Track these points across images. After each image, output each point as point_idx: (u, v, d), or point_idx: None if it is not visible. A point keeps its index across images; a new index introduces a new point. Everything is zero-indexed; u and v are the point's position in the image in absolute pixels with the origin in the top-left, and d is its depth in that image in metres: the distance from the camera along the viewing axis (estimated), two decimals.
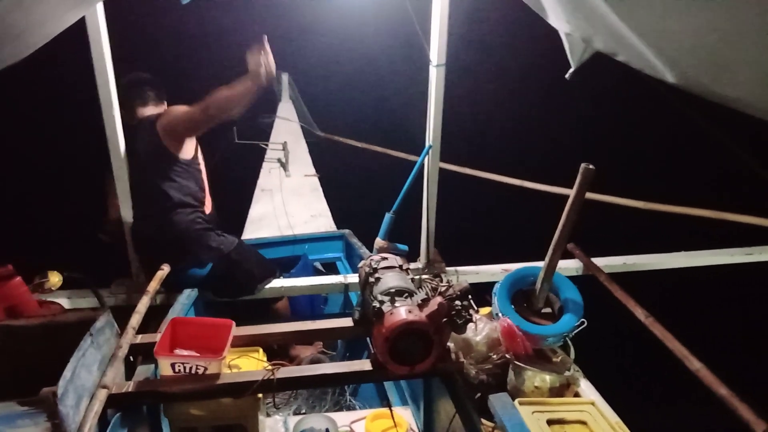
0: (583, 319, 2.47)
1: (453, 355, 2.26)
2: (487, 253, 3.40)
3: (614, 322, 2.88)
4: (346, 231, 4.62)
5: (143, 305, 2.47)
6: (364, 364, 2.16)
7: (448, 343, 2.20)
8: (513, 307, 2.58)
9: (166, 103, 3.29)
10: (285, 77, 7.27)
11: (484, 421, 2.06)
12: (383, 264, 2.30)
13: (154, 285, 2.73)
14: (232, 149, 5.00)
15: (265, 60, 2.86)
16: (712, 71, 1.76)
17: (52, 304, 2.64)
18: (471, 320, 2.03)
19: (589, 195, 2.51)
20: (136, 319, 2.32)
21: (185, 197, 3.05)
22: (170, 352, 2.17)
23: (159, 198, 3.02)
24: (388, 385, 3.18)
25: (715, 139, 2.91)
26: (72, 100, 3.13)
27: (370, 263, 2.31)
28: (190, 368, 2.06)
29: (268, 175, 5.55)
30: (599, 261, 3.27)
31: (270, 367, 2.09)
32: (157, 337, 2.17)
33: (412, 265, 3.18)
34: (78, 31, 2.46)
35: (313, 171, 5.72)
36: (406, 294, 2.07)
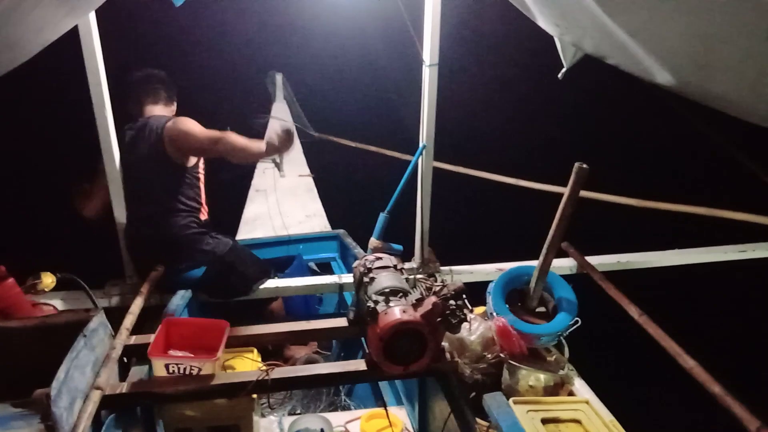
0: (577, 318, 2.48)
1: (448, 355, 2.26)
2: (481, 252, 3.40)
3: (608, 320, 2.89)
4: (341, 231, 4.62)
5: (137, 306, 2.47)
6: (359, 364, 2.16)
7: (443, 343, 2.20)
8: (507, 306, 2.58)
9: (175, 105, 3.29)
10: (279, 77, 7.26)
11: (478, 420, 2.06)
12: (378, 264, 2.30)
13: (147, 286, 2.73)
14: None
15: (286, 142, 2.98)
16: (696, 73, 1.77)
17: (46, 306, 2.63)
18: (465, 320, 2.03)
19: (582, 193, 2.51)
20: (129, 320, 2.32)
21: (181, 202, 3.04)
22: (164, 353, 2.17)
23: (155, 200, 3.01)
24: (383, 385, 3.18)
25: (707, 137, 2.92)
26: (65, 100, 3.11)
27: (365, 263, 2.31)
28: (185, 369, 2.05)
29: (263, 175, 5.54)
30: (593, 259, 3.27)
31: (264, 368, 2.09)
32: (151, 338, 2.16)
33: (407, 265, 3.19)
34: (72, 34, 2.46)
35: (307, 171, 5.72)
36: (401, 294, 2.07)
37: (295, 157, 5.92)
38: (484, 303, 2.65)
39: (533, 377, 2.32)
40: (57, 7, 1.99)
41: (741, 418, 1.92)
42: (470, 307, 2.05)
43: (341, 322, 2.40)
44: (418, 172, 3.18)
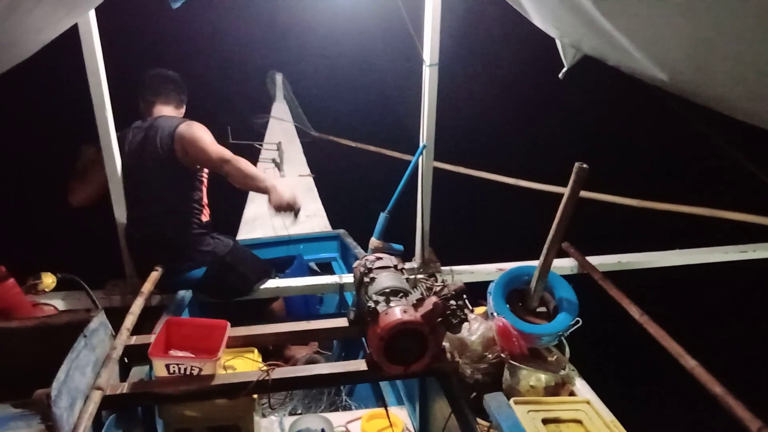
0: (578, 318, 2.47)
1: (448, 355, 2.26)
2: (481, 252, 3.40)
3: (609, 320, 2.89)
4: (341, 231, 4.62)
5: (137, 306, 2.47)
6: (360, 364, 2.16)
7: (444, 343, 2.20)
8: (508, 306, 2.57)
9: (185, 108, 3.28)
10: (279, 77, 7.26)
11: (479, 420, 2.06)
12: (378, 264, 2.30)
13: (148, 286, 2.73)
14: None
15: (288, 205, 3.02)
16: (695, 74, 1.77)
17: (46, 306, 2.63)
18: (466, 320, 2.03)
19: (583, 193, 2.51)
20: (130, 320, 2.31)
21: (184, 203, 3.04)
22: (165, 353, 2.17)
23: (157, 200, 3.00)
24: (384, 385, 3.18)
25: (707, 137, 2.91)
26: (65, 99, 3.12)
27: (365, 263, 2.31)
28: (185, 369, 2.05)
29: (263, 174, 5.53)
30: (594, 260, 3.27)
31: (265, 368, 2.09)
32: (151, 338, 2.17)
33: (407, 265, 3.19)
34: (72, 34, 2.46)
35: (307, 171, 5.71)
36: (401, 294, 2.07)
37: (296, 156, 5.92)
38: (484, 303, 2.65)
39: (534, 377, 2.31)
40: (56, 5, 1.98)
41: (742, 418, 1.91)
42: (471, 307, 2.05)
43: (342, 322, 2.40)
44: (418, 172, 3.18)
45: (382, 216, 3.26)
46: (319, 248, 4.63)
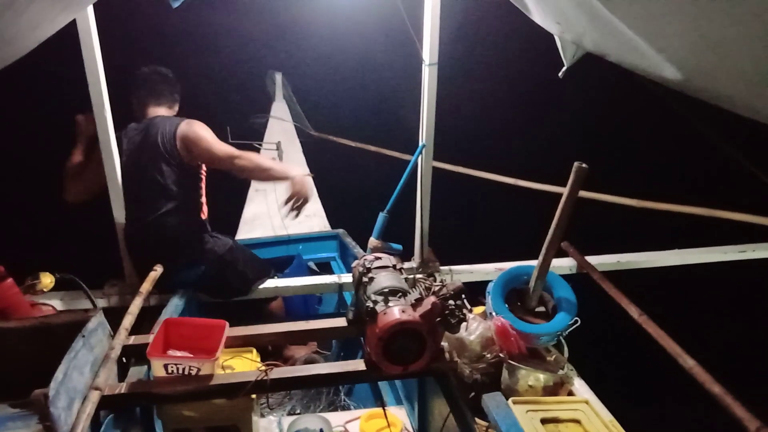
0: (576, 318, 2.47)
1: (447, 355, 2.26)
2: (480, 252, 3.40)
3: (608, 320, 2.89)
4: (341, 231, 4.62)
5: (136, 306, 2.46)
6: (359, 364, 2.16)
7: (442, 343, 2.20)
8: (507, 306, 2.57)
9: (178, 105, 3.28)
10: (278, 76, 7.25)
11: (478, 420, 2.06)
12: (377, 264, 2.30)
13: (146, 286, 2.72)
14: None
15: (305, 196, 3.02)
16: (699, 71, 1.77)
17: (44, 306, 2.63)
18: (464, 319, 2.03)
19: (582, 193, 2.51)
20: (128, 320, 2.31)
21: (184, 201, 3.04)
22: (163, 353, 2.17)
23: (157, 198, 3.00)
24: (383, 385, 3.18)
25: (707, 137, 2.91)
26: (63, 99, 3.11)
27: (364, 263, 2.31)
28: (183, 369, 2.05)
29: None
30: (593, 259, 3.28)
31: (263, 368, 2.08)
32: (150, 338, 2.16)
33: (406, 265, 3.19)
34: (71, 34, 2.45)
35: (307, 171, 5.70)
36: (400, 294, 2.07)
37: (295, 156, 5.91)
38: (483, 303, 2.65)
39: (532, 377, 2.31)
40: (53, 2, 1.98)
41: (741, 418, 1.92)
42: (469, 307, 2.05)
43: (341, 322, 2.40)
44: (417, 171, 3.18)
45: (381, 216, 3.26)
46: (318, 248, 4.63)
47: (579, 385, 2.36)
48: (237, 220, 4.90)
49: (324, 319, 2.51)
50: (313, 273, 4.23)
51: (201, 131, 3.03)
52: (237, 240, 3.45)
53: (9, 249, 2.61)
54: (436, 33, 2.84)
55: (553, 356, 2.49)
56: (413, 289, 2.14)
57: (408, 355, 2.00)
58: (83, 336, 1.92)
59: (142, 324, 2.50)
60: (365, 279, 2.20)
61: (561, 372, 2.36)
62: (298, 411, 2.96)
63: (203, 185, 3.17)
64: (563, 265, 3.26)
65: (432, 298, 2.00)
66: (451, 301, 2.00)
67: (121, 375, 2.22)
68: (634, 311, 2.61)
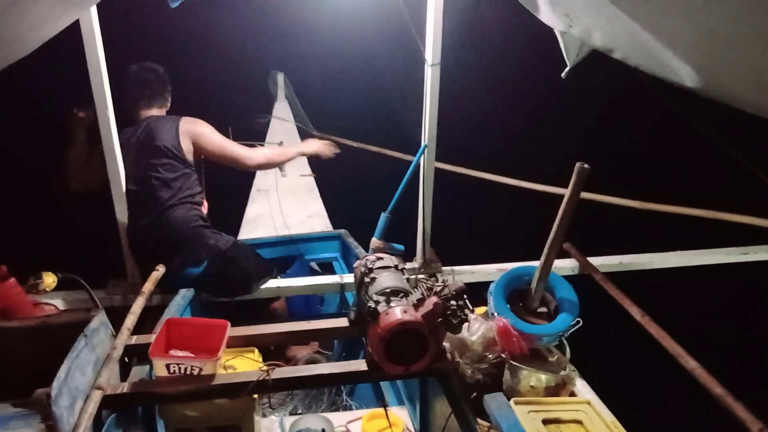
0: (578, 319, 2.47)
1: (448, 355, 2.26)
2: (482, 252, 3.40)
3: (610, 321, 2.88)
4: (343, 231, 4.61)
5: (138, 306, 2.47)
6: (360, 365, 2.16)
7: (444, 343, 2.20)
8: (509, 306, 2.57)
9: (169, 103, 3.29)
10: (280, 77, 7.25)
11: (479, 420, 2.06)
12: (379, 264, 2.29)
13: (149, 286, 2.73)
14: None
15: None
16: (708, 67, 1.76)
17: (47, 305, 2.63)
18: (466, 320, 2.03)
19: (584, 194, 2.51)
20: (131, 320, 2.31)
21: (187, 196, 3.07)
22: (165, 353, 2.17)
23: (159, 196, 3.02)
24: (384, 385, 3.18)
25: (709, 139, 2.91)
26: (66, 99, 3.12)
27: (366, 263, 2.31)
28: (185, 369, 2.05)
29: (264, 175, 5.52)
30: (595, 260, 3.27)
31: (265, 368, 2.08)
32: (152, 337, 2.16)
33: (408, 265, 3.19)
34: (73, 33, 2.46)
35: (309, 171, 5.70)
36: (402, 294, 2.07)
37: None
38: (485, 303, 2.65)
39: (534, 378, 2.31)
40: (57, 1, 1.98)
41: (743, 419, 1.91)
42: (471, 308, 2.05)
43: (342, 322, 2.40)
44: (419, 172, 3.18)
45: (383, 216, 3.26)
46: (320, 248, 4.62)
47: (581, 386, 2.36)
48: (239, 220, 4.90)
49: (326, 319, 2.52)
50: (315, 273, 4.24)
51: (205, 129, 3.16)
52: (240, 240, 3.46)
53: (12, 248, 2.62)
54: (438, 33, 2.84)
55: (555, 357, 2.48)
56: (415, 289, 2.13)
57: (410, 356, 2.00)
58: (85, 335, 1.92)
59: (144, 324, 2.50)
60: (367, 279, 2.20)
61: (563, 373, 2.36)
62: (300, 411, 2.96)
63: (203, 181, 3.20)
64: (565, 266, 3.25)
65: (434, 299, 2.00)
66: (452, 302, 2.00)
67: (123, 375, 2.22)
68: (636, 312, 2.61)
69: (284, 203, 4.97)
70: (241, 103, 7.40)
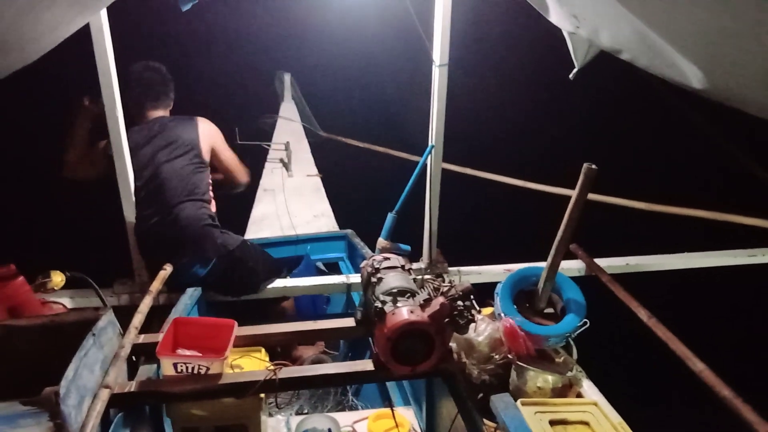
0: (585, 320, 2.47)
1: (455, 356, 2.26)
2: (489, 253, 3.40)
3: (617, 322, 2.88)
4: (349, 231, 4.62)
5: (145, 305, 2.47)
6: (367, 365, 2.16)
7: (450, 344, 2.20)
8: (515, 307, 2.57)
9: (172, 104, 3.31)
10: (287, 77, 7.27)
11: (486, 421, 2.05)
12: (385, 264, 2.30)
13: (156, 285, 2.73)
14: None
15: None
16: (719, 66, 1.75)
17: (55, 304, 2.64)
18: (473, 320, 2.03)
19: (591, 196, 2.50)
20: (138, 319, 2.32)
21: (197, 193, 3.10)
22: (172, 352, 2.17)
23: (171, 193, 3.04)
24: (391, 386, 3.18)
25: (716, 141, 2.90)
26: (69, 99, 3.13)
27: (373, 263, 2.31)
28: (193, 368, 2.06)
29: (271, 175, 5.55)
30: (602, 262, 3.27)
31: (272, 367, 2.09)
32: (159, 337, 2.17)
33: (415, 265, 3.19)
34: (81, 35, 2.46)
35: (315, 171, 5.72)
36: (409, 294, 2.07)
37: (304, 157, 5.93)
38: (491, 304, 2.65)
39: (541, 378, 2.31)
40: (71, 4, 1.99)
41: (750, 421, 1.91)
42: (478, 308, 2.04)
43: (349, 322, 2.40)
44: (426, 172, 3.18)
45: (390, 216, 3.26)
46: (326, 248, 4.63)
47: (588, 387, 2.36)
48: (246, 220, 4.91)
49: (332, 319, 2.52)
50: (321, 273, 4.24)
51: (222, 138, 3.36)
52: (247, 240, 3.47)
53: (20, 247, 2.64)
54: (447, 34, 2.84)
55: (562, 358, 2.48)
56: (422, 289, 2.13)
57: (416, 356, 2.00)
58: (93, 334, 1.92)
59: (152, 323, 2.51)
60: (374, 279, 2.20)
61: (570, 374, 2.36)
62: (306, 411, 2.96)
63: (210, 178, 3.23)
64: (572, 267, 3.25)
65: (441, 299, 2.00)
66: (459, 302, 2.00)
67: (131, 373, 2.22)
68: (643, 314, 2.60)
69: (290, 203, 4.99)
70: (248, 103, 7.42)
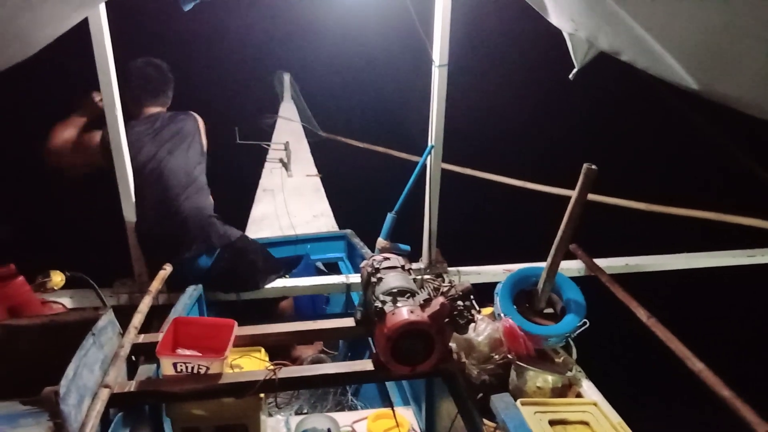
0: (585, 320, 2.47)
1: (455, 356, 2.26)
2: (489, 253, 3.40)
3: (616, 322, 2.88)
4: (348, 231, 4.62)
5: (145, 305, 2.47)
6: (366, 364, 2.16)
7: (450, 344, 2.20)
8: (515, 307, 2.57)
9: (170, 100, 3.32)
10: (287, 77, 7.27)
11: (485, 421, 2.05)
12: (385, 264, 2.30)
13: (156, 284, 2.73)
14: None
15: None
16: (715, 69, 1.75)
17: (55, 304, 2.65)
18: (473, 320, 2.03)
19: (591, 196, 2.50)
20: (138, 319, 2.32)
21: (201, 184, 3.16)
22: (172, 352, 2.17)
23: (174, 186, 3.05)
24: (390, 385, 3.18)
25: (716, 141, 2.90)
26: (73, 98, 3.13)
27: (372, 263, 2.31)
28: (192, 368, 2.06)
29: (270, 175, 5.55)
30: (601, 262, 3.27)
31: (272, 367, 2.09)
32: (159, 336, 2.17)
33: (414, 265, 3.19)
34: (81, 33, 2.46)
35: (315, 171, 5.72)
36: (408, 294, 2.07)
37: (303, 156, 5.93)
38: (491, 304, 2.65)
39: (541, 378, 2.31)
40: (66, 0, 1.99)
41: (750, 421, 1.91)
42: (478, 308, 2.04)
43: (348, 322, 2.40)
44: (426, 172, 3.18)
45: (390, 216, 3.26)
46: (326, 248, 4.63)
47: (587, 387, 2.36)
48: (245, 220, 4.91)
49: (332, 319, 2.52)
50: (320, 273, 4.24)
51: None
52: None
53: (20, 247, 2.63)
54: (446, 34, 2.84)
55: (562, 358, 2.48)
56: (421, 289, 2.14)
57: (416, 356, 2.00)
58: (93, 334, 1.92)
59: (152, 323, 2.51)
60: (374, 279, 2.20)
61: (569, 374, 2.36)
62: (306, 411, 2.96)
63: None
64: (572, 267, 3.25)
65: (440, 299, 2.00)
66: (459, 302, 2.00)
67: (131, 373, 2.22)
68: (642, 314, 2.60)
69: (290, 203, 4.99)
70: (247, 103, 7.42)
